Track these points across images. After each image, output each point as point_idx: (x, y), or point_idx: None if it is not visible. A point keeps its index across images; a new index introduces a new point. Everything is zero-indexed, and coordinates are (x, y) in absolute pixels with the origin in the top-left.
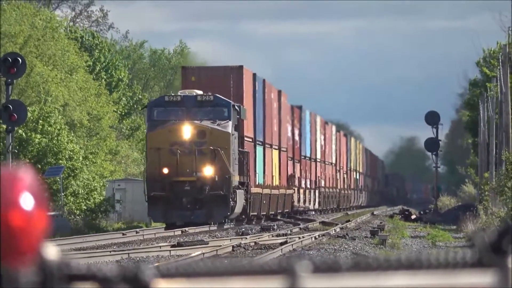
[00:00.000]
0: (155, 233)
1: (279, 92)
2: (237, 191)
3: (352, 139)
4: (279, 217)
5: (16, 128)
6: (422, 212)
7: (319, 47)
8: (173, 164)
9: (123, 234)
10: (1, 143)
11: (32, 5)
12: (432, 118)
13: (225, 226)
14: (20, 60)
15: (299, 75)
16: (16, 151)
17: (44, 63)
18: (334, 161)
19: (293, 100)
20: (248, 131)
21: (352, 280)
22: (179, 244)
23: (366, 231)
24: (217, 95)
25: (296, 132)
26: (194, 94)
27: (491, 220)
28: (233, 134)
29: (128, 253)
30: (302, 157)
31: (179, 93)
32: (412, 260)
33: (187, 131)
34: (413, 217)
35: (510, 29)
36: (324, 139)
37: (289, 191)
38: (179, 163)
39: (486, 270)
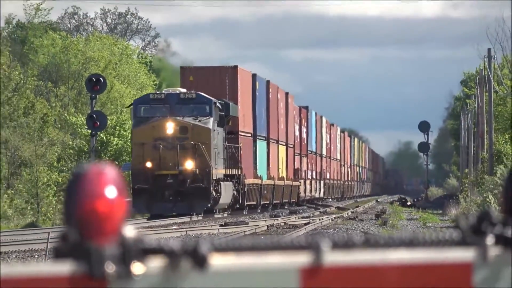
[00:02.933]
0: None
1: (286, 94)
2: (221, 183)
3: (356, 139)
4: (305, 204)
5: (98, 133)
6: (415, 200)
7: (340, 70)
8: (156, 158)
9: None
10: (87, 145)
11: (111, 36)
12: (424, 127)
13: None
14: (102, 79)
15: (324, 92)
16: (98, 150)
17: (120, 82)
18: (338, 157)
19: (318, 112)
20: (245, 127)
21: (363, 254)
22: (225, 224)
23: (371, 214)
24: (199, 93)
25: (304, 130)
26: (178, 92)
27: (469, 206)
28: (214, 130)
29: (186, 231)
30: (309, 152)
31: (163, 91)
32: (411, 239)
33: (170, 127)
34: (409, 203)
35: (485, 56)
36: (330, 138)
37: (296, 183)
38: (162, 158)
39: (469, 247)
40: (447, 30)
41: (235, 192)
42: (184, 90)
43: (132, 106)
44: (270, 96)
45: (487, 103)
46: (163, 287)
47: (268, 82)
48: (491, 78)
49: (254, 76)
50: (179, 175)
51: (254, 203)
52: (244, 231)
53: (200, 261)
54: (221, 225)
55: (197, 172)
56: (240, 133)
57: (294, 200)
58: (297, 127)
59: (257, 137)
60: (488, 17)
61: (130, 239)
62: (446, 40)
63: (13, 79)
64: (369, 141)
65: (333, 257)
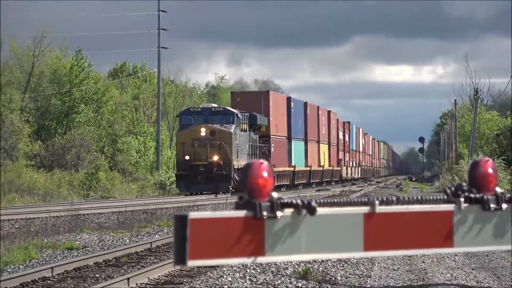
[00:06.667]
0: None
1: (329, 111)
2: None
3: (382, 143)
4: (359, 181)
5: None
6: (417, 178)
7: (379, 109)
8: (193, 153)
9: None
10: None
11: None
12: (421, 139)
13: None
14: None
15: (373, 120)
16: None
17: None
18: (371, 153)
19: (368, 130)
20: (279, 132)
21: (397, 206)
22: (318, 190)
23: (394, 185)
24: (225, 107)
25: (347, 136)
26: (210, 106)
27: (445, 181)
28: (236, 134)
29: (298, 194)
30: (350, 149)
31: (200, 106)
32: (421, 198)
33: (203, 131)
34: (413, 179)
35: (453, 103)
36: (365, 141)
37: (337, 168)
38: (197, 152)
39: (451, 203)
40: (436, 89)
41: None
42: (215, 105)
43: (179, 116)
44: (308, 112)
45: (454, 128)
46: (292, 224)
47: (305, 103)
48: (456, 115)
49: (289, 98)
50: (208, 165)
51: (287, 183)
52: (328, 194)
53: (311, 210)
54: (316, 191)
55: (221, 163)
56: (272, 136)
57: (336, 179)
58: (341, 134)
59: (293, 139)
60: (455, 84)
61: (275, 198)
62: (435, 94)
63: None
64: (392, 146)
65: (380, 208)
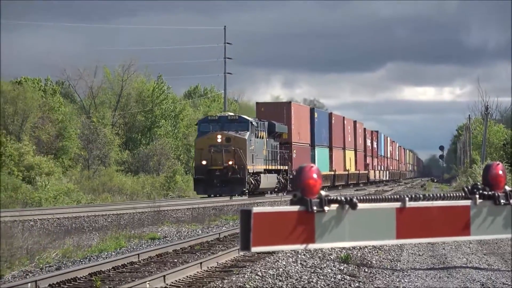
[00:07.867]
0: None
1: (355, 121)
2: (262, 174)
3: (408, 151)
4: (389, 182)
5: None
6: (438, 179)
7: (408, 122)
8: (209, 158)
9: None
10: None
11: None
12: (441, 147)
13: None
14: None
15: (402, 132)
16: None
17: None
18: (398, 158)
19: (396, 139)
20: (301, 139)
21: (423, 202)
22: (357, 189)
23: (419, 185)
24: (241, 115)
25: (375, 143)
26: (226, 115)
27: (462, 182)
28: (251, 140)
29: (340, 193)
30: (379, 155)
31: (217, 115)
32: (444, 195)
33: (219, 138)
34: (435, 181)
35: (467, 118)
36: (392, 149)
37: (364, 172)
38: (213, 158)
39: (468, 199)
40: (454, 106)
41: (282, 180)
42: (232, 114)
43: (197, 124)
44: (332, 122)
45: (468, 138)
46: (337, 217)
47: (330, 113)
48: (470, 127)
49: (312, 109)
50: (224, 169)
51: None
52: (364, 193)
53: (353, 205)
54: (355, 190)
55: (236, 167)
56: (294, 143)
57: (363, 181)
58: (369, 141)
59: (316, 145)
60: (469, 102)
61: (323, 195)
62: (453, 110)
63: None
64: (417, 153)
65: (410, 203)
